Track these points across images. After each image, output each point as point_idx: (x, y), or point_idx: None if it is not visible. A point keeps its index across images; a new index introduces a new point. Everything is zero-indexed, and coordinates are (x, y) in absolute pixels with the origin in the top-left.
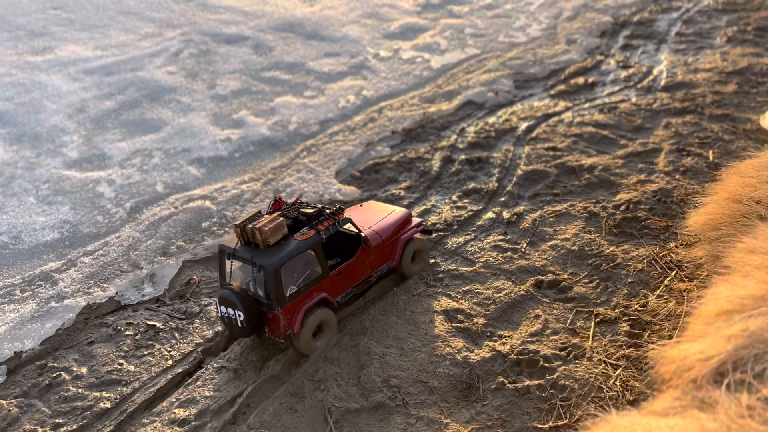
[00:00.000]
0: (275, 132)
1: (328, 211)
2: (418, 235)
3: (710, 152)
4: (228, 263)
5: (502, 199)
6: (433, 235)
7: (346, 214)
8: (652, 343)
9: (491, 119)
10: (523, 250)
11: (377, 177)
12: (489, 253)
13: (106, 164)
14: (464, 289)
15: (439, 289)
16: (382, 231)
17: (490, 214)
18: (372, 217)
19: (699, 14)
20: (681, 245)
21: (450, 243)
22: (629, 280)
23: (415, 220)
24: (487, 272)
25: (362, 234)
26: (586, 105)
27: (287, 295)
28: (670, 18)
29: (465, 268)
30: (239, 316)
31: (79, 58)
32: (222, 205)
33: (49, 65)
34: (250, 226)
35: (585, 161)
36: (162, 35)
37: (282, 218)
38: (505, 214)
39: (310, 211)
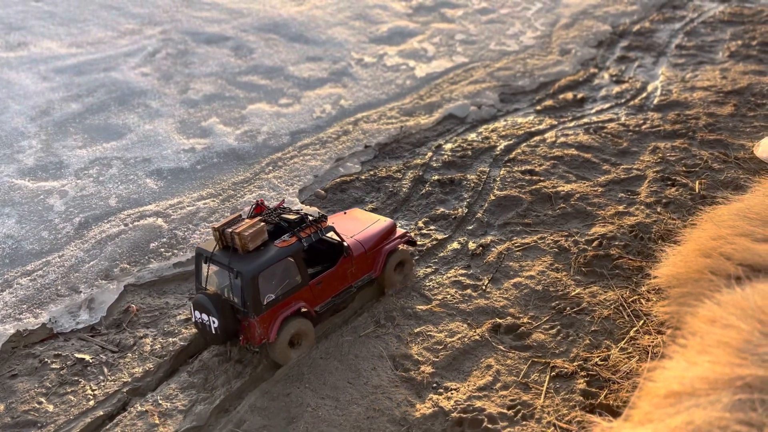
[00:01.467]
0: (243, 143)
1: (311, 218)
2: (402, 246)
3: (697, 183)
4: (205, 267)
5: (471, 227)
6: (417, 245)
7: (330, 221)
8: (603, 413)
9: (471, 136)
10: (484, 287)
11: (343, 197)
12: (448, 289)
13: (62, 173)
14: (416, 330)
15: (390, 330)
16: (365, 240)
17: (455, 245)
18: (355, 225)
19: (703, 25)
20: (652, 290)
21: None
22: (593, 328)
23: (400, 231)
24: (442, 312)
25: (345, 243)
26: (572, 123)
27: (264, 303)
28: (672, 28)
29: (420, 306)
30: (213, 322)
31: (52, 55)
32: (174, 223)
33: (20, 62)
34: (230, 230)
35: (562, 188)
36: (142, 33)
37: (263, 224)
38: (471, 245)
39: (292, 217)
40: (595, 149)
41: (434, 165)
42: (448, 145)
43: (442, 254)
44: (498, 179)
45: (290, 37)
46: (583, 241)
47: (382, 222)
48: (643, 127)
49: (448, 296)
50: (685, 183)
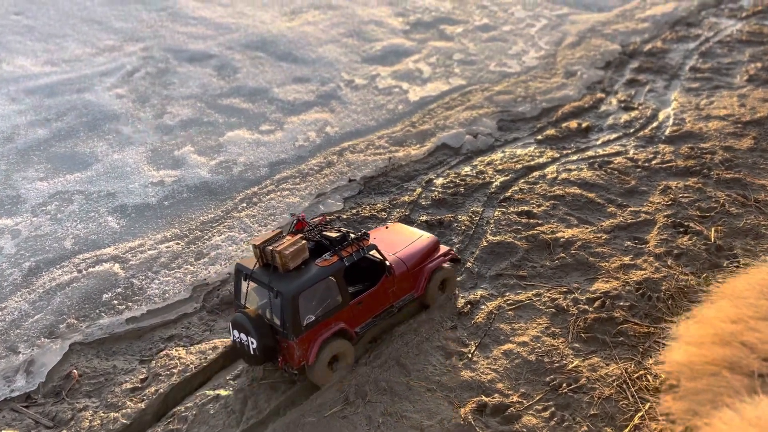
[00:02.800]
0: (216, 175)
1: (353, 235)
2: (445, 264)
3: (713, 230)
4: (244, 284)
5: (460, 278)
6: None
7: (372, 236)
8: None
9: (465, 169)
10: (470, 355)
11: None
12: (430, 357)
13: (18, 209)
14: (391, 409)
15: (359, 409)
16: (408, 258)
17: (441, 299)
18: (398, 241)
19: (719, 45)
20: (660, 363)
21: (387, 341)
22: (592, 412)
23: (443, 248)
24: (422, 387)
25: (387, 262)
26: (575, 157)
27: (304, 324)
28: (685, 49)
29: (397, 379)
30: (252, 343)
31: (24, 74)
32: (132, 270)
33: None
34: (270, 248)
35: (562, 233)
36: (122, 49)
37: (304, 242)
38: (459, 302)
39: (334, 235)
40: (600, 188)
41: (423, 203)
42: (440, 180)
43: (422, 315)
44: (492, 222)
45: (278, 56)
46: (583, 300)
47: (425, 239)
48: (653, 162)
49: (429, 366)
50: (699, 230)
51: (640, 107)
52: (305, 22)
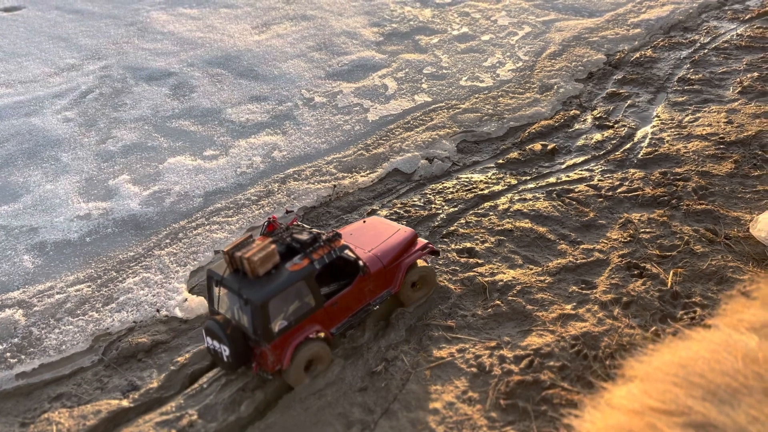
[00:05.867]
0: (147, 207)
1: (324, 237)
2: (422, 261)
3: (671, 273)
4: (216, 290)
5: (380, 329)
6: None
7: (348, 230)
8: None
9: (413, 198)
10: (372, 425)
11: None
12: (327, 428)
13: None
14: None
15: None
16: (384, 254)
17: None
18: (374, 237)
19: (715, 52)
20: None
21: (283, 407)
22: None
23: (421, 241)
24: None
25: (360, 262)
26: (534, 184)
27: (276, 330)
28: (677, 57)
29: None
30: (224, 350)
31: None
32: (35, 317)
33: None
34: (239, 254)
35: (502, 276)
36: (81, 68)
37: (273, 246)
38: (373, 359)
39: (304, 237)
40: (554, 221)
41: None
42: (383, 212)
43: (336, 370)
44: (428, 261)
45: (239, 72)
46: (510, 358)
47: (402, 233)
48: (619, 190)
49: None
50: (655, 273)
51: (616, 125)
52: (274, 35)
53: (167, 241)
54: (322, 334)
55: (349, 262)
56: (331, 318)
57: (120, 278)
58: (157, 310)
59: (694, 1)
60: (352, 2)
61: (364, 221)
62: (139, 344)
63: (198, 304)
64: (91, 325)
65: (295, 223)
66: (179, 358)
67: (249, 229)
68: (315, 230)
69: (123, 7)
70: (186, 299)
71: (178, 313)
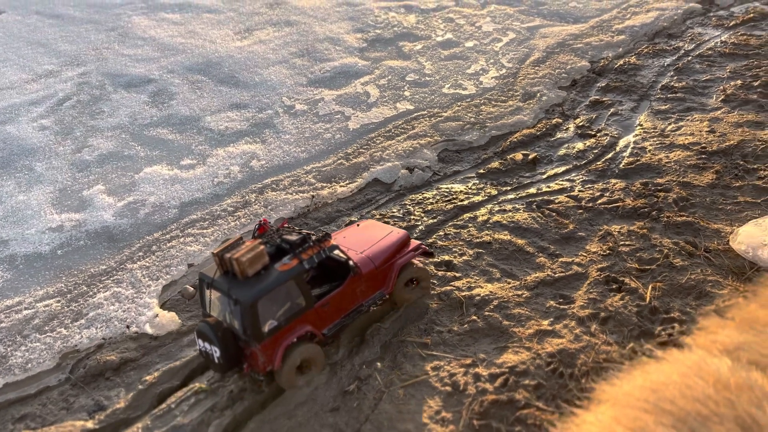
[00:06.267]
0: (121, 219)
1: (314, 237)
2: (416, 261)
3: (649, 288)
4: (208, 292)
5: (355, 346)
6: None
7: (342, 234)
8: None
9: (392, 209)
10: None
11: None
12: None
13: None
14: None
15: None
16: (376, 256)
17: (326, 373)
18: (367, 239)
19: (699, 59)
20: None
21: (251, 429)
22: None
23: (414, 243)
24: None
25: (351, 262)
26: (514, 195)
27: (266, 330)
28: (661, 64)
29: None
30: (215, 351)
31: None
32: (1, 334)
33: None
34: (228, 255)
35: (480, 290)
36: (59, 75)
37: (262, 247)
38: (346, 377)
39: (294, 237)
40: (533, 233)
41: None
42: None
43: (307, 390)
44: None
45: (219, 79)
46: (486, 376)
47: (395, 234)
48: (599, 201)
49: None
50: (634, 288)
51: (598, 134)
52: (257, 41)
53: (140, 254)
54: (313, 334)
55: (342, 264)
56: (323, 319)
57: (90, 293)
58: (127, 327)
59: (679, 7)
60: (337, 8)
61: (359, 224)
62: (108, 362)
63: (169, 320)
64: (59, 342)
65: (285, 225)
66: (148, 377)
67: (223, 241)
68: (305, 231)
69: (104, 11)
70: (157, 315)
71: (149, 330)
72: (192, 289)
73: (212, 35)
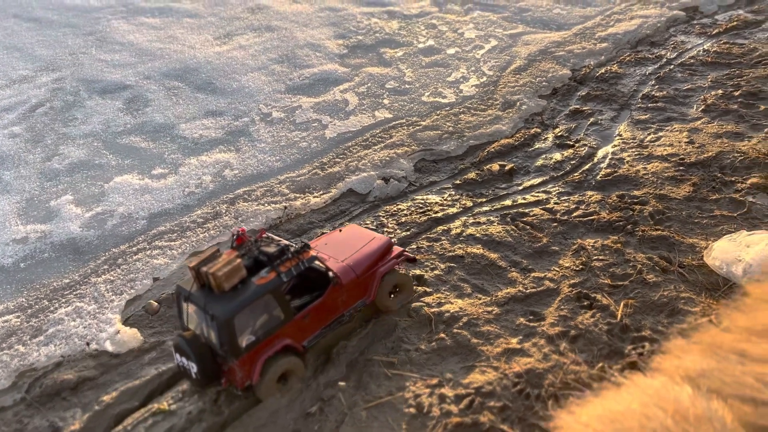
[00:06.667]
0: (88, 230)
1: (292, 248)
2: (398, 268)
3: (621, 305)
4: (185, 305)
5: (318, 362)
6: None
7: (323, 241)
8: None
9: (365, 221)
10: None
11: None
12: None
13: None
14: None
15: None
16: (357, 264)
17: (287, 395)
18: (348, 246)
19: (680, 68)
20: None
21: None
22: None
23: (397, 249)
24: None
25: (331, 273)
26: (488, 207)
27: (243, 345)
28: (643, 73)
29: None
30: (192, 367)
31: None
32: None
33: None
34: (205, 269)
35: (449, 306)
36: (34, 80)
37: (239, 260)
38: (308, 398)
39: (271, 250)
40: (506, 247)
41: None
42: None
43: (272, 407)
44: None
45: (197, 86)
46: (451, 397)
47: (377, 241)
48: (574, 214)
49: None
50: (605, 305)
51: (577, 145)
52: (236, 46)
53: (105, 267)
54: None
55: (322, 273)
56: (303, 331)
57: (52, 308)
58: (87, 344)
59: (662, 14)
60: (319, 13)
61: (340, 230)
62: (65, 381)
63: (131, 336)
64: (16, 359)
65: (264, 235)
66: (105, 397)
67: (191, 254)
68: (284, 242)
69: (83, 15)
70: (118, 331)
71: (109, 347)
72: (156, 304)
73: (191, 40)
